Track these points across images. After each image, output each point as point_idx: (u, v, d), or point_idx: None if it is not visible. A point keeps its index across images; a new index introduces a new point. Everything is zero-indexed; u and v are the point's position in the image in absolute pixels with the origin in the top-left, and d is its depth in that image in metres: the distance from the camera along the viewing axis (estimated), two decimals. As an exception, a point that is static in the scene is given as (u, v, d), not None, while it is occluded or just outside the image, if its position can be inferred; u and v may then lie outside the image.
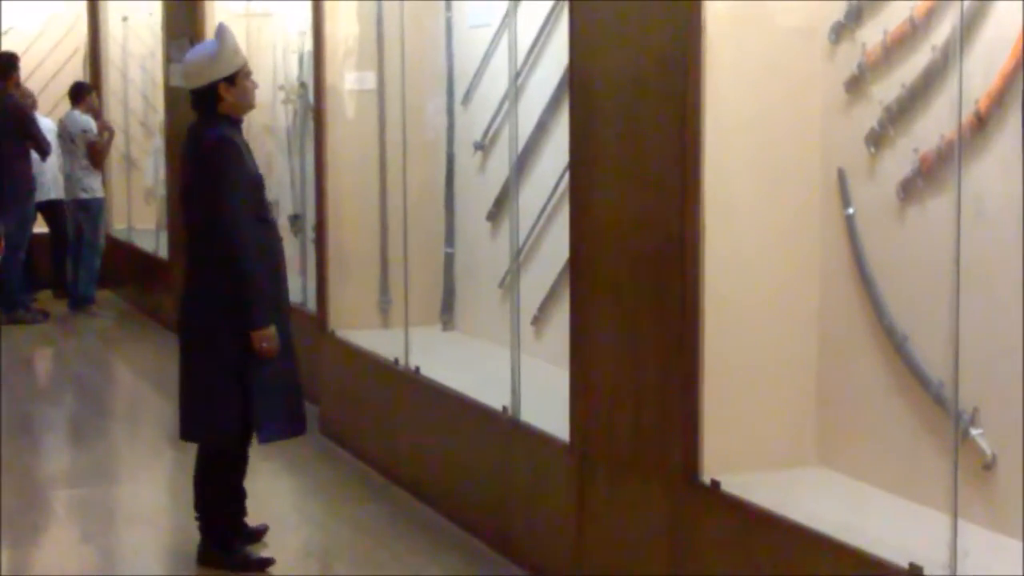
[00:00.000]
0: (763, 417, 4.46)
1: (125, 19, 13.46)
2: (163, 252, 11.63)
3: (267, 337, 5.27)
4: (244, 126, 5.54)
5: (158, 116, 12.33)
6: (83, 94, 12.27)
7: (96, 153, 12.03)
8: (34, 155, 11.71)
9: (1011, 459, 3.75)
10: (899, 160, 4.11)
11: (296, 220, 9.03)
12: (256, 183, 5.43)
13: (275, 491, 6.66)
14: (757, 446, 4.46)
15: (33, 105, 12.24)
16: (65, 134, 12.03)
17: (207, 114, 5.36)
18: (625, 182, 4.70)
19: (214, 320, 5.30)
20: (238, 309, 5.24)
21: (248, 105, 5.51)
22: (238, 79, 5.36)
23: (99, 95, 13.23)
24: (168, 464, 7.22)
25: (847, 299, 4.37)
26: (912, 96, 4.05)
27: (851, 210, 4.32)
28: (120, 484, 7.24)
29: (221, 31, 5.40)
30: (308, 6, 7.92)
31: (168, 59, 11.17)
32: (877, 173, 4.22)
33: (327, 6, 7.65)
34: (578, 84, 5.02)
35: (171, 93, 11.03)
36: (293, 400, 5.51)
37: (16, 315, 11.80)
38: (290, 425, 5.51)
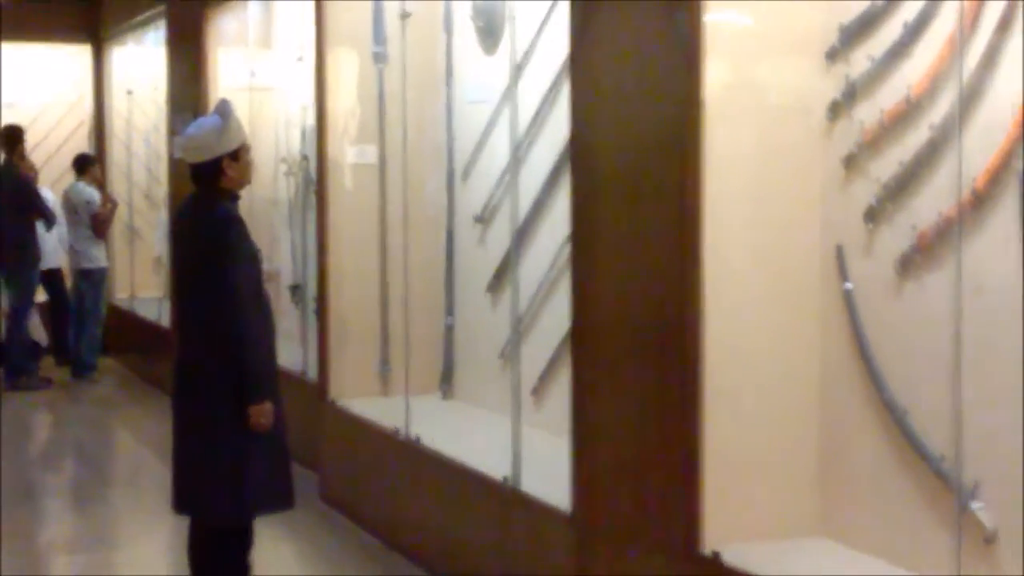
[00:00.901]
0: (764, 488, 4.49)
1: (130, 93, 13.57)
2: (165, 320, 11.66)
3: (265, 412, 5.20)
4: (247, 198, 5.56)
5: (162, 188, 12.45)
6: (87, 166, 12.38)
7: (99, 224, 12.13)
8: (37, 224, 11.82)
9: (1012, 534, 3.77)
10: (897, 237, 4.16)
11: (296, 290, 9.07)
12: (256, 258, 5.44)
13: (275, 558, 6.62)
14: (758, 517, 4.48)
15: (35, 177, 12.32)
16: (69, 205, 12.14)
17: (209, 189, 5.31)
18: (625, 255, 4.75)
19: (210, 395, 5.24)
20: (236, 383, 5.19)
21: (248, 180, 5.50)
22: (240, 154, 5.32)
23: (103, 167, 13.38)
24: (168, 530, 7.18)
25: (847, 373, 4.41)
26: (909, 173, 4.12)
27: (849, 285, 4.38)
28: (120, 550, 7.25)
29: (224, 106, 5.36)
30: (311, 81, 8.02)
31: (172, 132, 11.27)
32: (875, 249, 4.28)
33: (329, 81, 7.75)
34: (579, 159, 5.09)
35: (175, 166, 11.11)
36: (282, 473, 5.42)
37: (19, 382, 11.85)
38: (278, 499, 5.42)
